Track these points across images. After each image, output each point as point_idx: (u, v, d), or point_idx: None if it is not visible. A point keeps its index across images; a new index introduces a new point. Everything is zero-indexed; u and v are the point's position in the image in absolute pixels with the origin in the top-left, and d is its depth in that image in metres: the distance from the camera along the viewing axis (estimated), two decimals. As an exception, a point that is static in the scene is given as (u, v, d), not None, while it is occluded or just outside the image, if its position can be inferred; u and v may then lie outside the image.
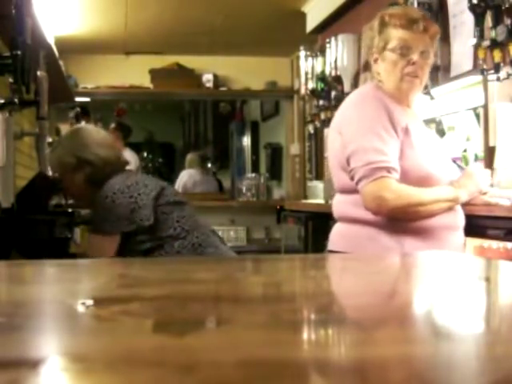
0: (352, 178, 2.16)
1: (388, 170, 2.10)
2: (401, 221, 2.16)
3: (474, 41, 3.03)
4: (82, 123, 5.14)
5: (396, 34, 2.26)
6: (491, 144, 3.17)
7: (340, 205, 2.32)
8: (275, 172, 8.49)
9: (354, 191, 2.19)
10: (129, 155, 6.29)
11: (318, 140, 6.37)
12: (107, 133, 5.39)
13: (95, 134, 2.79)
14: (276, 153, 8.55)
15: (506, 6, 2.83)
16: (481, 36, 3.00)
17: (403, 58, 2.24)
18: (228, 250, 2.74)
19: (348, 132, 2.19)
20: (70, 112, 5.85)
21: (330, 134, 2.39)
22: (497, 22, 2.90)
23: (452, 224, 2.24)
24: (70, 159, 2.68)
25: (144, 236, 2.53)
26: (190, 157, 8.23)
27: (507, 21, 2.85)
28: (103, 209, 2.53)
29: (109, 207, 2.51)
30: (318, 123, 5.35)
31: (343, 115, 2.27)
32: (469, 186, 2.29)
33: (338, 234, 2.32)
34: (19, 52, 2.13)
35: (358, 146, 2.13)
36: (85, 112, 5.69)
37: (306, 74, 5.41)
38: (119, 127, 6.73)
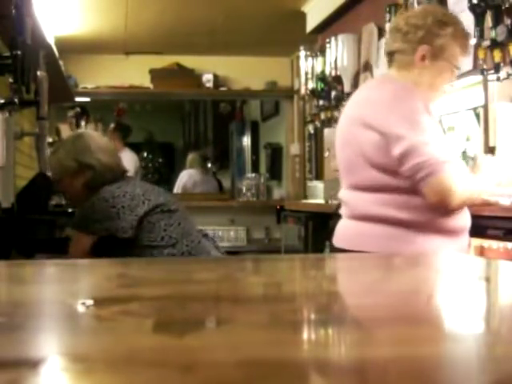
0: (413, 174, 2.08)
1: (450, 162, 2.09)
2: (433, 221, 2.15)
3: (474, 41, 3.03)
4: (82, 123, 5.14)
5: (461, 56, 2.31)
6: (491, 144, 3.17)
7: (364, 203, 2.22)
8: (275, 172, 8.49)
9: (385, 189, 2.15)
10: (128, 155, 6.29)
11: (317, 140, 6.36)
12: (107, 133, 5.50)
13: (98, 139, 2.81)
14: (276, 153, 8.55)
15: (506, 5, 2.83)
16: (481, 36, 3.00)
17: (455, 74, 2.33)
18: (221, 256, 2.75)
19: (396, 128, 2.11)
20: (69, 112, 5.85)
21: (347, 130, 2.28)
22: (497, 22, 2.90)
23: (468, 224, 2.28)
24: (71, 163, 2.70)
25: (130, 243, 2.55)
26: (191, 157, 8.23)
27: (507, 21, 2.85)
28: (87, 208, 2.59)
29: (91, 209, 2.57)
30: (318, 123, 5.35)
31: (380, 111, 2.16)
32: (488, 178, 2.37)
33: (359, 234, 2.22)
34: (19, 52, 2.13)
35: (414, 141, 2.08)
36: (84, 112, 5.69)
37: (306, 74, 5.41)
38: (119, 127, 6.74)
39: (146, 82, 7.40)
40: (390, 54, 2.32)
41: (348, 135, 2.28)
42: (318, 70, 5.17)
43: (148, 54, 7.31)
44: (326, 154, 4.88)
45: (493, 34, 2.91)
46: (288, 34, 6.27)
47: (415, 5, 3.60)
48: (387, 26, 3.98)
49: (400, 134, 2.10)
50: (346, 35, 4.80)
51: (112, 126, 6.74)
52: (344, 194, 2.34)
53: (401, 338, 0.64)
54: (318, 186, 5.46)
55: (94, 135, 2.89)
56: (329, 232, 2.43)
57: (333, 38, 4.87)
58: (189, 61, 7.48)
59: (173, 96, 8.41)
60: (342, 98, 4.65)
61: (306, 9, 5.87)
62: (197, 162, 8.07)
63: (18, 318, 0.73)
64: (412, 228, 2.14)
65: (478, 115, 3.51)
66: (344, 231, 2.31)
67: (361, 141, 2.20)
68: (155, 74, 7.38)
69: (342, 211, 2.37)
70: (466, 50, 2.32)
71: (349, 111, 2.32)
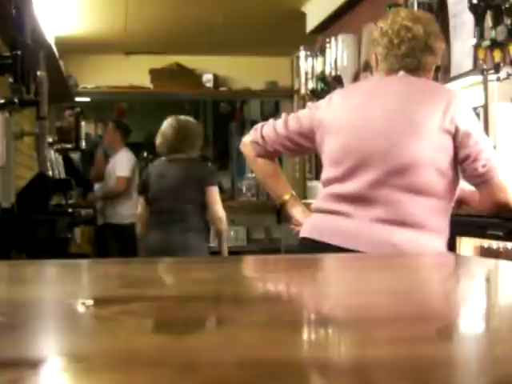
0: (487, 170, 2.05)
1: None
2: (447, 227, 2.13)
3: (474, 41, 3.03)
4: (83, 123, 5.15)
5: None
6: (492, 143, 3.17)
7: (418, 210, 2.05)
8: (275, 172, 8.46)
9: (433, 194, 2.06)
10: (125, 155, 6.27)
11: (317, 140, 6.35)
12: (107, 132, 6.18)
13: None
14: (276, 153, 8.53)
15: (506, 5, 2.83)
16: (481, 36, 3.00)
17: None
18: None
19: (477, 128, 2.10)
20: (65, 111, 5.84)
21: (426, 133, 2.05)
22: (497, 21, 2.90)
23: None
24: None
25: None
26: None
27: (507, 21, 2.85)
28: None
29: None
30: (317, 123, 5.34)
31: (466, 115, 2.08)
32: None
33: (417, 244, 2.03)
34: (19, 52, 2.13)
35: (486, 140, 2.11)
36: (81, 112, 5.69)
37: (306, 74, 5.42)
38: (119, 127, 6.70)
39: (146, 82, 7.40)
40: (413, 68, 2.17)
41: (427, 140, 2.06)
42: (318, 70, 5.17)
43: (148, 53, 7.31)
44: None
45: (493, 34, 2.91)
46: (288, 33, 6.27)
47: (415, 5, 3.60)
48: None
49: (480, 133, 2.09)
50: (346, 35, 4.80)
51: (111, 125, 6.71)
52: (378, 193, 2.08)
53: (400, 338, 0.64)
54: (317, 186, 5.44)
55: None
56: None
57: (333, 38, 4.88)
58: (189, 61, 7.48)
59: (173, 96, 8.40)
60: (342, 98, 4.65)
61: (306, 9, 5.87)
62: None
63: (18, 318, 0.73)
64: (441, 235, 2.11)
65: (478, 115, 3.51)
66: (381, 237, 2.05)
67: (441, 144, 2.05)
68: (155, 74, 7.38)
69: (357, 210, 2.10)
70: None
71: (414, 108, 2.09)
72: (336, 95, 2.27)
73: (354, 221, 2.10)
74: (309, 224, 2.22)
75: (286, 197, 2.35)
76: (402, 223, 2.05)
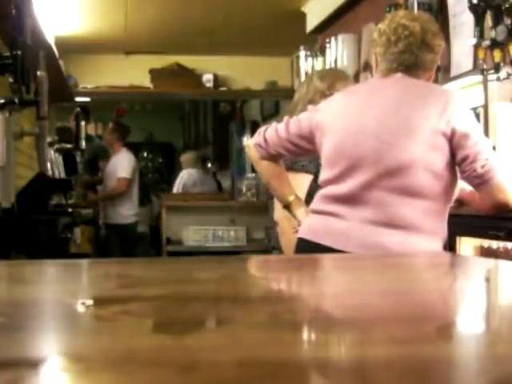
0: (487, 171, 2.04)
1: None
2: (445, 229, 2.12)
3: (474, 41, 3.04)
4: (83, 123, 5.15)
5: None
6: (491, 144, 3.17)
7: (412, 212, 2.06)
8: (275, 172, 8.46)
9: (426, 196, 2.06)
10: (125, 156, 6.28)
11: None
12: (106, 133, 5.69)
13: None
14: (276, 153, 8.53)
15: (506, 5, 2.84)
16: (481, 36, 3.00)
17: None
18: None
19: (475, 129, 2.10)
20: (74, 111, 5.84)
21: (421, 135, 2.05)
22: (497, 21, 2.90)
23: None
24: None
25: None
26: (185, 157, 8.19)
27: (507, 21, 2.85)
28: None
29: None
30: (317, 123, 5.35)
31: (463, 116, 2.09)
32: None
33: (410, 247, 2.04)
34: (19, 52, 2.14)
35: (485, 141, 2.10)
36: (85, 111, 5.68)
37: (306, 73, 5.42)
38: (117, 127, 6.71)
39: (146, 82, 7.40)
40: (411, 65, 2.17)
41: (423, 143, 2.06)
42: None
43: (148, 53, 7.31)
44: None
45: (493, 34, 2.91)
46: (288, 33, 6.27)
47: (415, 5, 3.60)
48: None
49: (479, 134, 2.09)
50: (346, 35, 4.80)
51: (110, 125, 6.71)
52: (369, 194, 2.09)
53: (400, 338, 0.64)
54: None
55: None
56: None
57: (333, 38, 4.88)
58: (189, 61, 7.48)
59: (173, 96, 8.41)
60: (342, 98, 4.65)
61: (306, 9, 5.87)
62: (191, 161, 8.01)
63: (18, 318, 0.73)
64: (435, 237, 2.11)
65: (478, 115, 3.51)
66: (371, 239, 2.06)
67: (436, 144, 2.05)
68: (155, 74, 7.38)
69: (349, 212, 2.11)
70: None
71: (410, 111, 2.09)
72: (335, 97, 2.29)
73: (346, 222, 2.11)
74: (305, 225, 2.24)
75: (290, 198, 2.36)
76: (392, 225, 2.06)
